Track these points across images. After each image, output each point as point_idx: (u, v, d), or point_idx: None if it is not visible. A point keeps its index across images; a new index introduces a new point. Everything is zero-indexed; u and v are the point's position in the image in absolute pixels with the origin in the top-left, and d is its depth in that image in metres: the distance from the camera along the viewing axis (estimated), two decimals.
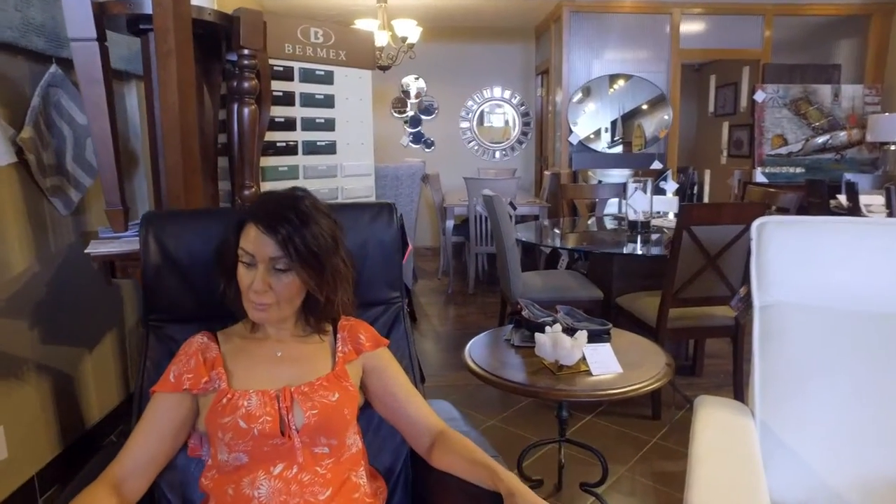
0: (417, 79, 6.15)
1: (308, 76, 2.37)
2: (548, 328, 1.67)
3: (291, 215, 0.94)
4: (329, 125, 2.49)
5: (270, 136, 2.29)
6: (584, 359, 1.63)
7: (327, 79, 2.44)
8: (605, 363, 1.64)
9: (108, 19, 1.56)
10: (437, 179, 5.32)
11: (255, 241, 0.93)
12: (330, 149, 2.51)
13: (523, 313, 1.86)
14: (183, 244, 1.14)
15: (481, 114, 6.40)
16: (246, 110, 1.71)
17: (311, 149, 2.44)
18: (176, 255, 1.14)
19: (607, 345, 1.74)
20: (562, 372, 1.62)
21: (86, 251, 1.53)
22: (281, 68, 2.27)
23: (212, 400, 0.96)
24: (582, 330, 1.69)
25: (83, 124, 1.97)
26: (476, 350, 1.82)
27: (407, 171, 3.37)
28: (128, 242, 1.59)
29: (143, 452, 0.95)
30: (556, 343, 1.60)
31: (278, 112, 2.30)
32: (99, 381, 2.23)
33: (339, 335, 1.08)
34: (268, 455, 0.94)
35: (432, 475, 1.05)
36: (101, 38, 1.51)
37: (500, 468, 0.94)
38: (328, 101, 2.46)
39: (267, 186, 2.31)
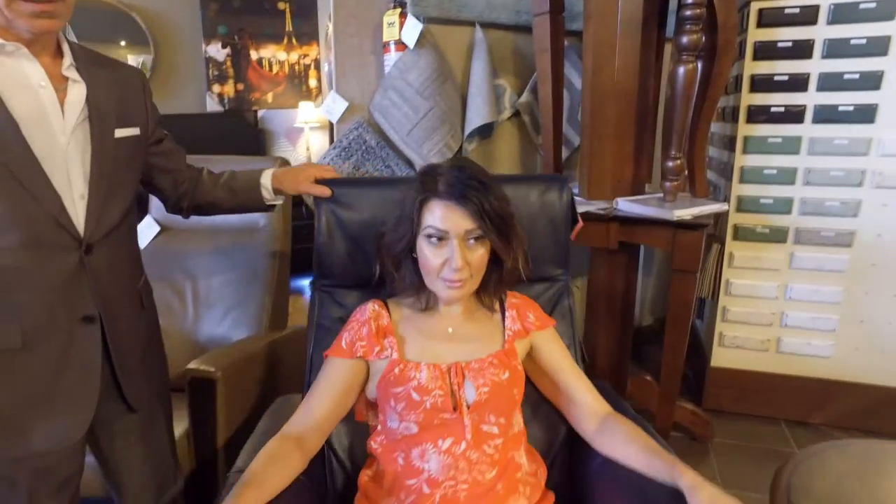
0: None
1: (844, 14, 1.77)
2: None
3: (476, 183, 0.91)
4: (869, 81, 1.81)
5: (764, 98, 1.89)
6: None
7: (881, 12, 1.74)
8: None
9: None
10: None
11: (446, 217, 0.90)
12: (862, 116, 1.84)
13: None
14: (355, 214, 1.16)
15: None
16: (680, 69, 1.49)
17: (827, 115, 1.86)
18: (348, 224, 1.16)
19: None
20: None
21: None
22: (796, 9, 1.80)
23: (384, 368, 0.97)
24: None
25: (579, 89, 2.17)
26: None
27: None
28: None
29: (318, 412, 0.98)
30: None
31: (781, 68, 1.85)
32: None
33: (507, 313, 1.05)
34: (437, 428, 0.94)
35: (595, 460, 1.02)
36: (555, 11, 1.64)
37: (680, 461, 0.88)
38: (875, 47, 1.78)
39: (750, 160, 1.95)
